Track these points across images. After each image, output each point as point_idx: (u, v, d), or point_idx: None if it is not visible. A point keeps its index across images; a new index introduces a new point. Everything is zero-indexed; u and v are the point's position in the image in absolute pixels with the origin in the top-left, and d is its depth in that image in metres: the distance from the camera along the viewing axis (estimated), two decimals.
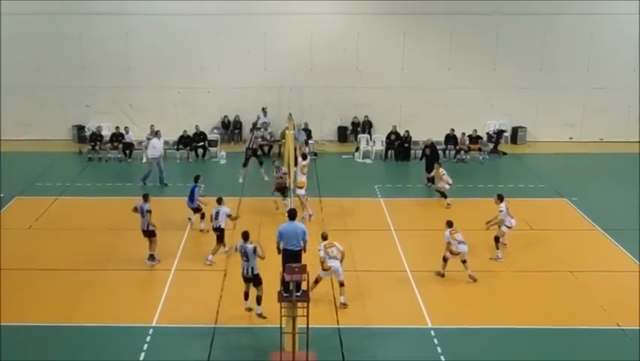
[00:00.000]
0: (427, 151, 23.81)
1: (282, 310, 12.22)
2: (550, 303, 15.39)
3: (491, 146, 28.43)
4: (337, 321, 14.51)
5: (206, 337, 13.78)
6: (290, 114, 25.33)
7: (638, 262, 17.53)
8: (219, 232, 17.10)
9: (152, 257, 17.06)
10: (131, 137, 27.42)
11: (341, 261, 15.04)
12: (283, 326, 12.32)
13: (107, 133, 27.99)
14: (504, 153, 28.30)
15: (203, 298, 15.39)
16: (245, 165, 23.24)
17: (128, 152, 27.14)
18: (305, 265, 12.31)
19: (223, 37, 28.44)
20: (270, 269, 14.00)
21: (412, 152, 27.29)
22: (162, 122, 26.38)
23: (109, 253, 17.88)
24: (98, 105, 29.15)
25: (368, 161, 27.45)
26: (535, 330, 14.25)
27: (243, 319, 14.48)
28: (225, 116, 29.49)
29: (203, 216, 19.03)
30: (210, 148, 27.75)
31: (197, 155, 27.33)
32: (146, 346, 13.50)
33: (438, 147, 25.21)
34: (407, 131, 27.46)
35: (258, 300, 14.23)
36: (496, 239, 17.64)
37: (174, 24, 28.15)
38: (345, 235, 16.10)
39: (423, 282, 16.28)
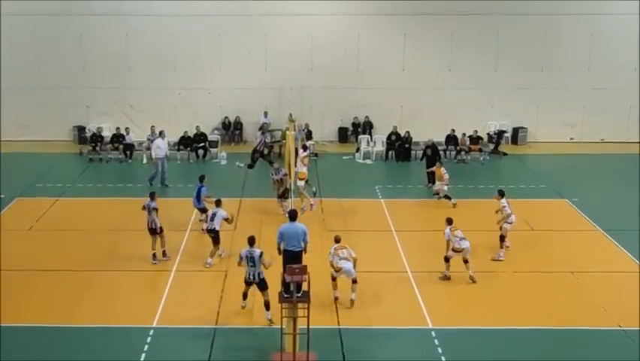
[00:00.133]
0: (429, 151, 23.80)
1: (283, 311, 12.20)
2: (551, 304, 15.37)
3: (492, 146, 28.42)
4: (338, 322, 14.50)
5: (207, 338, 13.76)
6: (290, 115, 25.30)
7: (638, 263, 17.51)
8: (214, 234, 16.99)
9: (164, 253, 17.39)
10: (132, 138, 27.43)
11: (354, 266, 14.93)
12: (284, 326, 12.31)
13: (107, 134, 27.98)
14: (505, 154, 28.29)
15: (204, 299, 15.39)
16: (251, 166, 23.01)
17: (128, 153, 27.15)
18: (305, 266, 12.30)
19: (223, 38, 28.45)
20: (271, 270, 13.98)
21: (413, 152, 27.29)
22: (163, 123, 26.33)
23: (109, 253, 17.87)
24: (99, 106, 29.16)
25: (369, 161, 27.44)
26: (536, 331, 14.23)
27: (244, 319, 14.47)
28: (226, 117, 29.50)
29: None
30: (211, 149, 27.75)
31: (197, 156, 27.33)
32: (146, 347, 13.48)
33: (439, 148, 25.16)
34: (408, 132, 27.45)
35: (267, 305, 14.09)
36: (502, 238, 17.64)
37: (175, 25, 28.15)
38: (346, 236, 16.08)
39: (423, 283, 16.27)
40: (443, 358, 13.24)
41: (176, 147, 27.30)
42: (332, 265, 14.97)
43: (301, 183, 20.09)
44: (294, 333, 12.36)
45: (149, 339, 13.73)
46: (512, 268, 17.20)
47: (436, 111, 28.67)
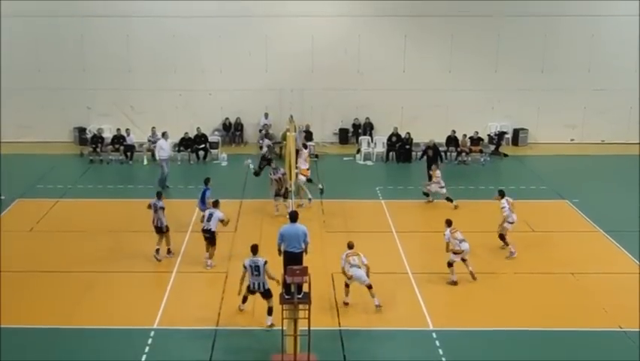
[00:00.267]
0: (430, 152, 23.78)
1: (284, 312, 12.19)
2: (551, 305, 15.36)
3: (492, 148, 28.42)
4: (339, 323, 14.50)
5: (208, 339, 13.76)
6: (291, 116, 25.30)
7: (639, 264, 17.51)
8: (209, 235, 16.91)
9: (168, 251, 17.52)
10: (133, 139, 27.43)
11: (367, 274, 14.84)
12: (284, 328, 12.31)
13: (108, 135, 27.99)
14: (505, 155, 28.29)
15: (205, 300, 15.38)
16: (257, 174, 22.96)
17: (129, 154, 27.14)
18: (306, 267, 12.30)
19: (224, 39, 28.46)
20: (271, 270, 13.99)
21: (414, 153, 27.24)
22: (163, 125, 26.37)
23: (110, 255, 17.87)
24: (99, 107, 29.16)
25: (369, 163, 27.45)
26: (536, 332, 14.22)
27: (245, 321, 14.47)
28: (226, 119, 29.50)
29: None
30: (211, 150, 27.73)
31: (198, 157, 27.33)
32: (147, 348, 13.47)
33: (440, 149, 25.13)
34: (408, 133, 27.45)
35: (270, 311, 14.04)
36: (501, 237, 17.65)
37: (175, 26, 28.17)
38: (347, 237, 16.08)
39: (424, 284, 16.27)
40: (444, 359, 13.24)
41: (177, 148, 27.30)
42: (343, 272, 14.89)
43: (302, 178, 20.31)
44: (294, 334, 12.35)
45: (150, 340, 13.72)
46: (513, 269, 17.20)
47: (436, 112, 28.69)
